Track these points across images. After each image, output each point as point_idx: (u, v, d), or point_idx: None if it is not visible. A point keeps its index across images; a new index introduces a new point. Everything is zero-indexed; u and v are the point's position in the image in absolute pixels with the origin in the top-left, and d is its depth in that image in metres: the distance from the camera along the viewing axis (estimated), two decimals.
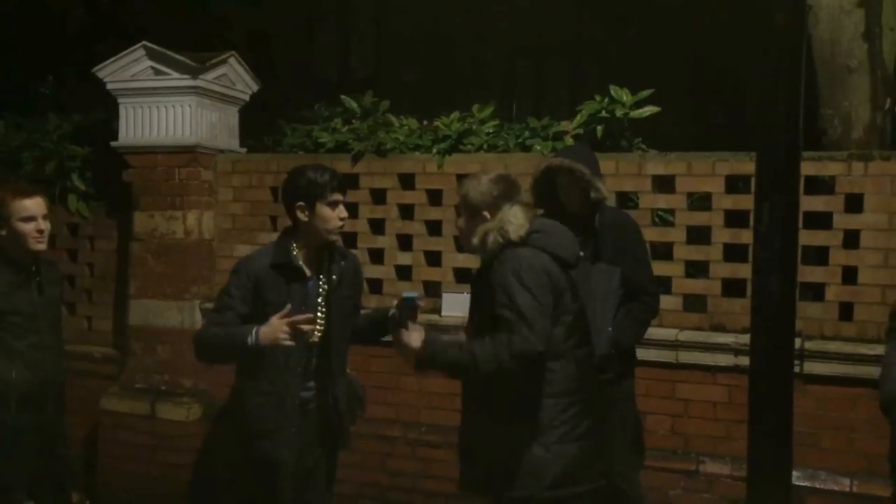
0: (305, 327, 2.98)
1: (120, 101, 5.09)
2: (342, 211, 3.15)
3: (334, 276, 3.22)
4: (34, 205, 3.33)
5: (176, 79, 4.95)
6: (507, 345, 2.65)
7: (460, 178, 4.70)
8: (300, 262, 3.16)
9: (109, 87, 5.06)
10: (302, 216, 3.11)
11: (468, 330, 3.01)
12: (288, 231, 3.24)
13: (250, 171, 5.09)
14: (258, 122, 5.61)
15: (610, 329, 3.51)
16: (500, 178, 2.98)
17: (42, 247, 3.37)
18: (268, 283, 3.10)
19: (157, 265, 5.07)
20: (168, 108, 5.02)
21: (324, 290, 3.20)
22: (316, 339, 3.17)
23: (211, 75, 5.02)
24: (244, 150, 5.38)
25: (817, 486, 3.97)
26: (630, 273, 3.57)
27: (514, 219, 2.85)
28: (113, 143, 5.13)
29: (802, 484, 3.92)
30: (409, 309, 2.95)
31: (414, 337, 2.85)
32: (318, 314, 3.18)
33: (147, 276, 5.10)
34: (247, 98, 5.36)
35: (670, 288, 4.29)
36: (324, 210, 3.09)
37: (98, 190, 5.46)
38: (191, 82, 4.94)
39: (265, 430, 3.13)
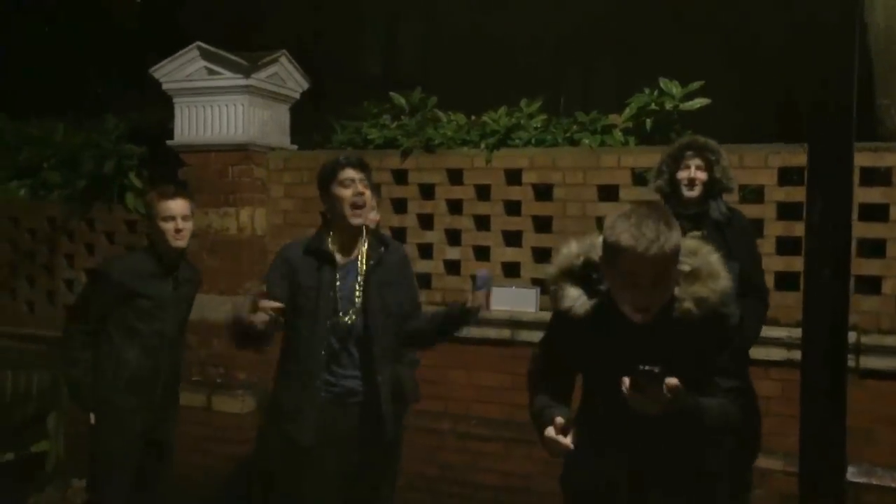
0: (267, 304, 2.88)
1: (175, 100, 5.21)
2: (357, 187, 3.07)
3: (371, 262, 3.17)
4: (175, 206, 3.61)
5: (229, 78, 5.06)
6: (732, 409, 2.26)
7: (508, 172, 4.73)
8: (330, 248, 3.16)
9: (165, 87, 5.18)
10: (326, 203, 3.18)
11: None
12: (324, 222, 3.32)
13: (301, 168, 5.18)
14: (308, 120, 5.69)
15: None
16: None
17: (181, 244, 3.64)
18: (301, 268, 3.15)
19: (212, 261, 5.18)
20: (221, 106, 5.13)
21: (361, 274, 3.17)
22: (349, 323, 3.13)
23: (262, 74, 5.11)
24: (295, 147, 5.47)
25: (873, 482, 3.91)
26: (746, 269, 3.47)
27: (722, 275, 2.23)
28: (168, 142, 5.26)
29: (858, 480, 3.87)
30: (483, 284, 2.92)
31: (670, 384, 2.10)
32: (356, 299, 3.14)
33: (202, 272, 5.21)
34: (297, 96, 5.45)
35: None
36: (338, 190, 3.08)
37: (154, 187, 5.59)
38: (243, 81, 5.03)
39: (289, 412, 3.13)
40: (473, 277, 3.03)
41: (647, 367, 2.05)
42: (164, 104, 5.34)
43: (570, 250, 2.34)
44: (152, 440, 3.75)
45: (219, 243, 5.18)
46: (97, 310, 3.67)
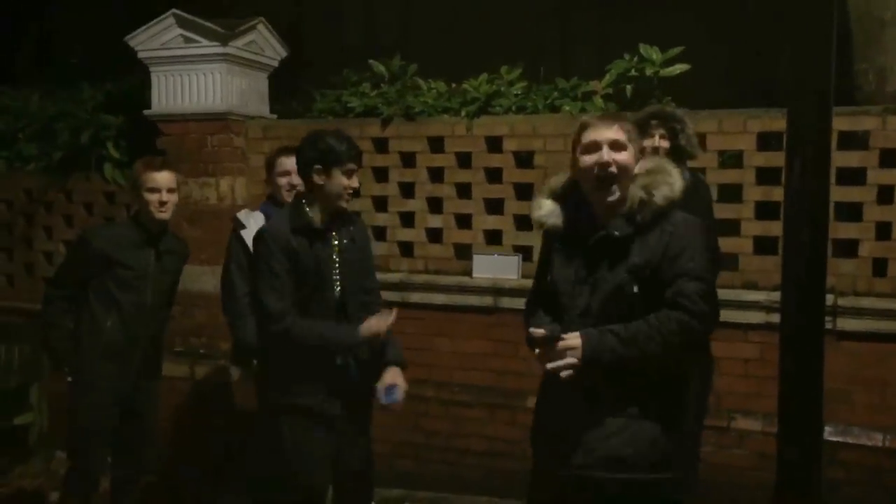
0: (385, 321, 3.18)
1: (151, 69, 5.14)
2: (355, 181, 3.26)
3: (345, 239, 3.31)
4: (161, 178, 3.65)
5: (206, 46, 4.99)
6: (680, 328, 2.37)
7: (489, 140, 4.73)
8: (318, 225, 3.23)
9: (141, 55, 5.11)
10: (318, 179, 3.19)
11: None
12: (301, 195, 3.31)
13: (281, 137, 5.13)
14: (287, 88, 5.64)
15: None
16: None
17: (164, 216, 3.68)
18: (296, 249, 3.18)
19: (192, 231, 5.14)
20: (199, 75, 5.07)
21: (336, 250, 3.28)
22: (336, 297, 3.27)
23: (240, 42, 5.05)
24: (274, 116, 5.43)
25: (849, 440, 4.00)
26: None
27: (676, 177, 2.49)
28: (146, 112, 5.20)
29: (834, 439, 3.95)
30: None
31: (570, 340, 2.41)
32: (335, 274, 3.27)
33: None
34: (276, 64, 5.39)
35: None
36: (340, 177, 3.19)
37: (133, 158, 5.52)
38: (220, 49, 4.97)
39: (312, 390, 3.23)
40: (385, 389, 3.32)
41: (541, 331, 2.37)
42: (141, 73, 5.27)
43: (557, 176, 2.65)
44: (131, 410, 3.78)
45: (199, 213, 5.15)
46: (77, 276, 3.71)
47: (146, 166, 3.72)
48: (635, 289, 2.39)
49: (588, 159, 2.43)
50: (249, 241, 3.89)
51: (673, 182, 2.46)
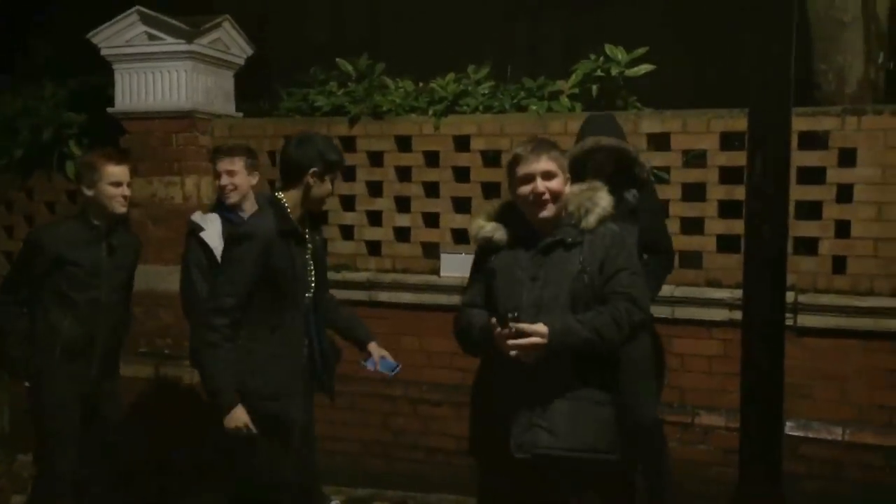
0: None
1: (115, 66, 5.08)
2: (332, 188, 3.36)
3: (316, 237, 3.41)
4: (122, 172, 3.59)
5: (171, 43, 4.94)
6: (628, 314, 2.69)
7: (456, 139, 4.74)
8: (299, 228, 3.25)
9: (104, 52, 5.04)
10: (310, 182, 3.16)
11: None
12: (272, 196, 3.27)
13: (247, 136, 5.10)
14: (253, 87, 5.60)
15: None
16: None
17: (125, 210, 3.64)
18: (276, 250, 3.15)
19: (157, 230, 5.10)
20: (163, 73, 5.02)
21: (311, 251, 3.33)
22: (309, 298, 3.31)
23: (205, 40, 5.01)
24: (240, 114, 5.39)
25: (810, 435, 4.07)
26: (647, 230, 3.61)
27: (606, 195, 2.86)
28: (109, 110, 5.14)
29: (795, 434, 4.02)
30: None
31: (537, 326, 2.63)
32: (310, 275, 3.32)
33: (146, 242, 5.07)
34: (242, 62, 5.36)
35: None
36: (328, 184, 3.24)
37: (96, 150, 5.46)
38: (185, 47, 4.93)
39: (277, 392, 3.19)
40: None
41: (504, 314, 2.57)
42: (103, 70, 5.20)
43: (486, 206, 3.05)
44: (94, 410, 3.71)
45: (164, 212, 5.10)
46: (27, 279, 3.62)
47: (107, 159, 3.62)
48: (586, 280, 2.72)
49: (524, 189, 2.76)
50: (211, 243, 3.88)
51: (607, 197, 2.86)
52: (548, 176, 2.75)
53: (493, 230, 2.86)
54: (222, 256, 3.32)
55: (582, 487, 2.80)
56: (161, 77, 5.03)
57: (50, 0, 8.05)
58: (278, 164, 3.39)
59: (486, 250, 2.90)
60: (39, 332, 3.61)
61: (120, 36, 4.99)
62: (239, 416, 3.11)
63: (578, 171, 3.46)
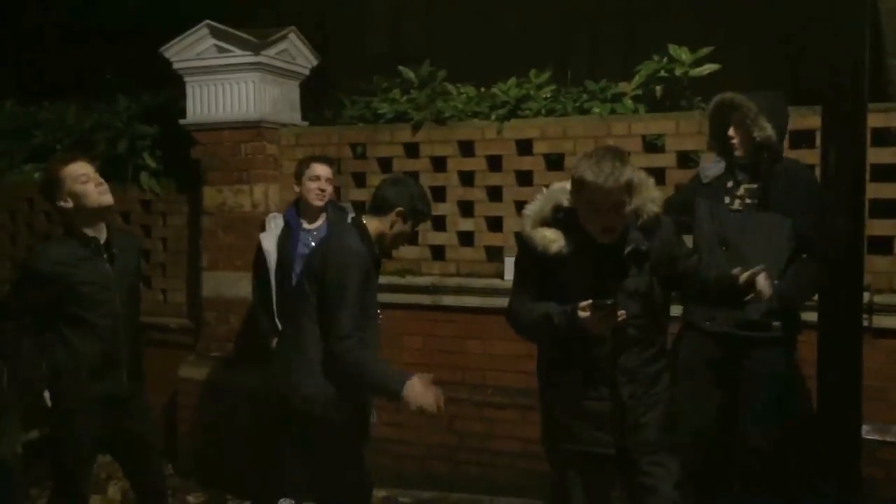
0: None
1: (186, 79, 5.23)
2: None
3: None
4: (83, 166, 3.35)
5: (239, 55, 5.07)
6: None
7: (519, 143, 4.76)
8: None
9: (176, 66, 5.20)
10: (395, 220, 3.41)
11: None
12: (359, 220, 3.48)
13: (313, 144, 5.20)
14: (317, 97, 5.71)
15: (776, 283, 3.25)
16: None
17: (109, 199, 3.38)
18: (367, 273, 3.36)
19: (227, 238, 5.23)
20: (232, 84, 5.15)
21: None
22: None
23: (272, 51, 5.12)
24: (306, 123, 5.50)
25: (888, 439, 3.95)
26: (800, 226, 3.34)
27: (654, 187, 2.93)
28: (181, 121, 5.29)
29: (872, 437, 3.91)
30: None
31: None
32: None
33: (217, 249, 5.28)
34: (307, 72, 5.46)
35: None
36: (408, 229, 3.46)
37: (168, 167, 5.65)
38: (253, 58, 5.05)
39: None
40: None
41: (603, 301, 2.61)
42: (175, 84, 5.36)
43: (537, 202, 2.89)
44: (127, 431, 3.52)
45: (233, 220, 5.22)
46: (31, 306, 3.38)
47: (63, 163, 3.36)
48: (655, 286, 2.84)
49: (595, 220, 2.72)
50: (265, 244, 4.36)
51: (656, 189, 2.89)
52: (618, 206, 2.69)
53: (557, 241, 2.79)
54: (337, 281, 3.27)
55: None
56: (230, 88, 5.16)
57: (117, 17, 8.32)
58: (370, 197, 3.51)
59: (543, 258, 2.81)
60: (59, 361, 3.38)
61: (190, 49, 5.14)
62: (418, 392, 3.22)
63: (716, 132, 3.51)
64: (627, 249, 2.79)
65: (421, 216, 3.43)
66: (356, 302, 3.21)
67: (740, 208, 3.45)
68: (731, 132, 3.47)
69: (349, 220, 3.46)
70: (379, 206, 3.37)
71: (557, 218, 2.82)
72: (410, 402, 3.16)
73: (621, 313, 2.67)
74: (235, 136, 5.19)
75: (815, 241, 3.17)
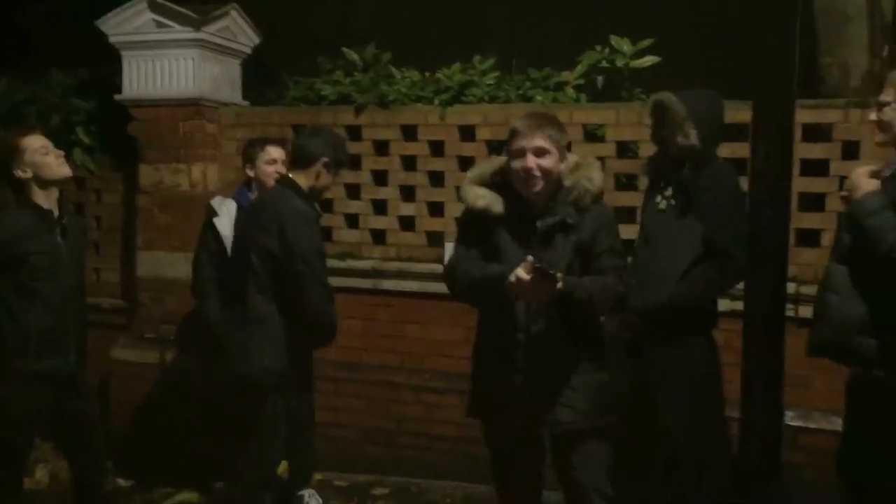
0: None
1: (123, 53, 5.11)
2: None
3: None
4: (42, 139, 3.44)
5: (178, 31, 4.97)
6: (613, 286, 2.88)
7: (462, 129, 4.77)
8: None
9: (112, 40, 5.07)
10: (320, 171, 3.31)
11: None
12: (290, 183, 3.37)
13: (254, 124, 5.14)
14: (259, 76, 5.62)
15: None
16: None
17: (68, 171, 3.48)
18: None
19: (164, 217, 5.14)
20: (171, 60, 5.04)
21: None
22: None
23: (213, 28, 5.03)
24: (247, 103, 5.42)
25: (810, 425, 4.10)
26: (710, 233, 3.35)
27: (599, 171, 2.95)
28: (117, 97, 5.16)
29: (795, 424, 4.05)
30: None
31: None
32: None
33: (154, 229, 5.19)
34: (248, 51, 5.38)
35: None
36: (332, 178, 3.50)
37: (103, 143, 5.50)
38: (193, 35, 4.95)
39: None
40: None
41: (543, 266, 2.64)
42: (112, 58, 5.22)
43: (480, 165, 3.11)
44: (69, 407, 3.50)
45: (170, 200, 5.13)
46: None
47: (21, 135, 3.41)
48: (579, 262, 2.86)
49: (516, 164, 2.82)
50: (221, 229, 4.01)
51: (598, 171, 2.94)
52: (540, 152, 2.79)
53: (491, 202, 2.88)
54: (311, 256, 3.36)
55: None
56: (168, 65, 5.06)
57: None
58: (291, 151, 3.49)
59: (480, 219, 2.92)
60: (6, 333, 3.34)
61: (128, 23, 5.01)
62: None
63: (654, 131, 3.52)
64: (554, 220, 2.85)
65: (343, 164, 3.47)
66: (319, 258, 3.30)
67: (664, 208, 3.49)
68: (664, 132, 3.49)
69: (278, 183, 3.47)
70: (303, 160, 3.36)
71: (494, 182, 2.94)
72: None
73: (559, 286, 2.69)
74: (174, 113, 5.09)
75: (723, 248, 3.31)
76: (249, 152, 4.28)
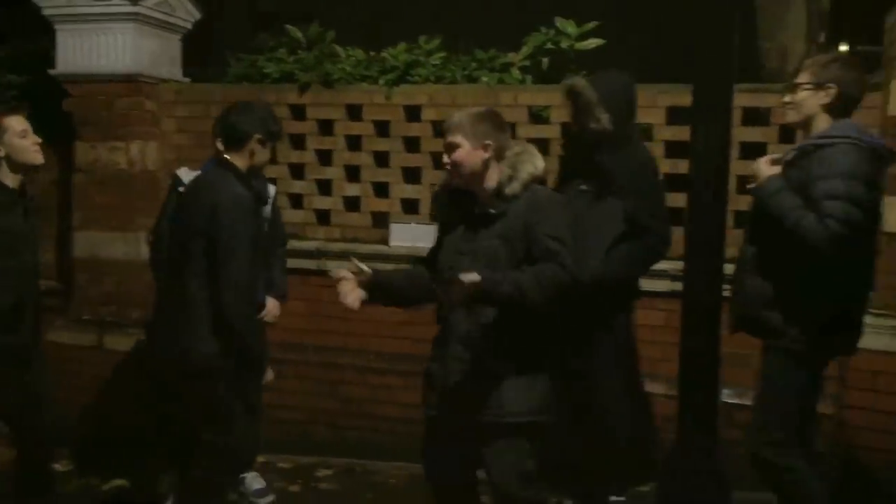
0: None
1: (57, 27, 4.95)
2: None
3: None
4: (23, 122, 3.42)
5: (114, 4, 4.83)
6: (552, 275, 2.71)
7: (407, 109, 4.74)
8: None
9: (46, 12, 4.91)
10: (255, 148, 3.22)
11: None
12: (227, 161, 3.28)
13: (195, 102, 5.03)
14: (201, 53, 5.51)
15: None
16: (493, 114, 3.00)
17: (41, 158, 3.47)
18: (255, 215, 3.27)
19: (101, 196, 5.01)
20: (107, 35, 4.90)
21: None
22: None
23: (151, 2, 4.90)
24: (188, 79, 5.30)
25: (746, 402, 4.19)
26: (631, 212, 3.46)
27: (530, 157, 2.92)
28: (51, 72, 5.00)
29: (732, 401, 4.14)
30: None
31: (466, 277, 2.62)
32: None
33: (91, 208, 5.05)
34: (189, 26, 5.26)
35: None
36: (267, 152, 3.33)
37: (37, 120, 5.30)
38: (130, 8, 4.82)
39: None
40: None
41: (448, 276, 2.65)
42: (47, 31, 5.05)
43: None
44: (27, 387, 3.49)
45: (108, 178, 5.00)
46: None
47: (3, 114, 3.41)
48: (506, 252, 2.78)
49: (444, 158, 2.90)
50: None
51: (536, 161, 2.89)
52: (450, 148, 2.86)
53: (440, 196, 3.01)
54: (232, 238, 3.19)
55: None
56: (105, 39, 4.91)
57: None
58: (221, 131, 3.37)
59: (441, 215, 3.03)
60: None
61: None
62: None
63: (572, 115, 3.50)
64: (475, 213, 2.88)
65: (277, 136, 3.38)
66: (248, 264, 3.14)
67: (585, 189, 3.53)
68: (578, 117, 3.53)
69: (214, 163, 3.37)
70: (236, 140, 3.26)
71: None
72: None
73: (468, 284, 2.58)
74: (110, 89, 4.95)
75: (643, 225, 3.46)
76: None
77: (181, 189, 3.77)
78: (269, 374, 3.68)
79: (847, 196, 2.73)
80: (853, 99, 2.93)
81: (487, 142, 2.82)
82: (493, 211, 2.84)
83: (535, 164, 2.89)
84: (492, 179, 2.85)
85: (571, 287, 2.76)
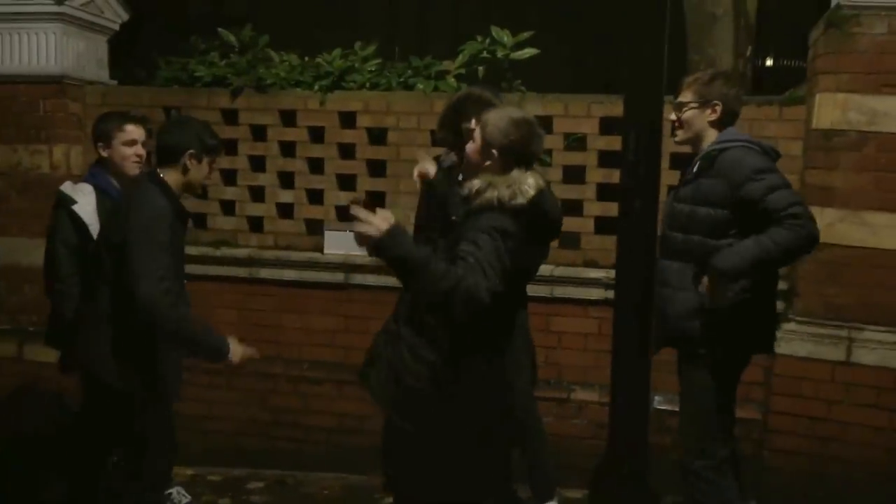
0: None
1: None
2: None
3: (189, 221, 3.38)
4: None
5: (38, 3, 4.69)
6: (460, 278, 2.46)
7: (342, 115, 4.70)
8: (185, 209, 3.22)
9: None
10: (189, 164, 3.12)
11: None
12: (157, 175, 3.15)
13: (122, 105, 4.87)
14: (129, 55, 5.37)
15: None
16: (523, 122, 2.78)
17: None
18: (174, 230, 3.06)
19: (22, 201, 4.84)
20: (30, 34, 4.75)
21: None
22: None
23: (77, 2, 4.76)
24: (114, 82, 5.16)
25: (677, 409, 4.25)
26: None
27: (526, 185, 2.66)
28: None
29: (664, 408, 4.21)
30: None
31: (381, 217, 2.39)
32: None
33: (11, 213, 4.88)
34: (116, 28, 5.13)
35: None
36: (206, 167, 3.19)
37: None
38: (55, 8, 4.68)
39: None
40: None
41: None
42: None
43: None
44: None
45: (29, 182, 4.84)
46: None
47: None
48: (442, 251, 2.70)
49: None
50: (85, 217, 3.59)
51: (505, 185, 2.62)
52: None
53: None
54: (142, 234, 3.01)
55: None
56: (28, 39, 4.76)
57: None
58: (155, 147, 3.26)
59: None
60: None
61: None
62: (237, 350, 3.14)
63: (452, 127, 3.36)
64: (453, 217, 2.83)
65: (214, 150, 3.20)
66: (163, 259, 2.97)
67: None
68: (472, 125, 3.29)
69: (146, 177, 3.24)
70: (168, 156, 3.14)
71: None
72: (235, 358, 3.12)
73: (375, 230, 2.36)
74: (33, 90, 4.80)
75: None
76: (103, 129, 3.66)
77: (74, 207, 3.55)
78: (241, 351, 3.25)
79: (784, 184, 2.87)
80: (735, 114, 3.11)
81: (501, 146, 2.68)
82: (454, 218, 2.85)
83: (505, 189, 2.75)
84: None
85: (474, 288, 2.51)
